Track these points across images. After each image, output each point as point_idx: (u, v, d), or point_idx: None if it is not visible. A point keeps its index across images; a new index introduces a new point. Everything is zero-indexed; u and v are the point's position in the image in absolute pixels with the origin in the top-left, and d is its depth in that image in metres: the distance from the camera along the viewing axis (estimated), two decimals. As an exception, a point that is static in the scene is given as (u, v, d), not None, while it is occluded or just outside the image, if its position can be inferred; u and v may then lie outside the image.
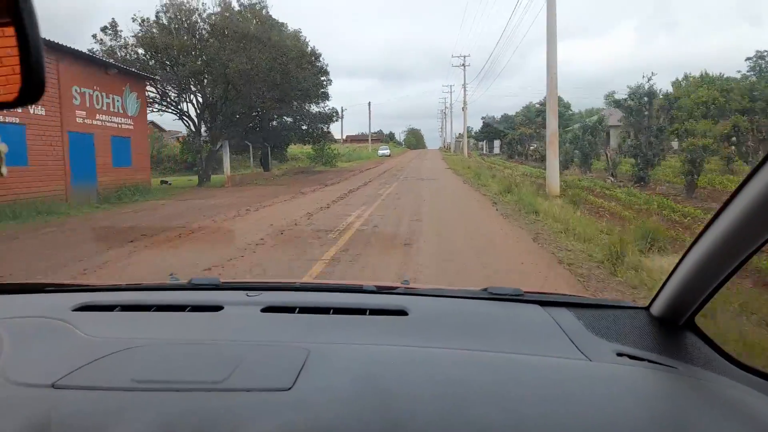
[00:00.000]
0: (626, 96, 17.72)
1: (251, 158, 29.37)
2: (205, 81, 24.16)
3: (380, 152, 70.37)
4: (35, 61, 0.79)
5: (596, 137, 25.58)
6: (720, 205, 1.00)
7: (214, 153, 25.44)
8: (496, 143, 71.06)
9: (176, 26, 23.63)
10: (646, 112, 16.83)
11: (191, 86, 24.03)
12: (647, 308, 1.39)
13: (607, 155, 21.10)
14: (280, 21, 26.35)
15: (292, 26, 30.09)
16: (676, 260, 1.20)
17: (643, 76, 17.29)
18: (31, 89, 0.82)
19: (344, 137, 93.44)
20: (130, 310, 1.44)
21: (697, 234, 1.09)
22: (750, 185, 0.91)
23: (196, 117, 25.65)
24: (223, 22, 23.22)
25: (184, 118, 25.71)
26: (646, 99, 16.82)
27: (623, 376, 1.05)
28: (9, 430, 0.82)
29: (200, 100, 25.21)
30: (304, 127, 35.19)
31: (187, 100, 25.05)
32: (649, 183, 17.65)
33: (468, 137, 64.44)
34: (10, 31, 0.78)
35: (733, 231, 0.98)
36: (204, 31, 23.34)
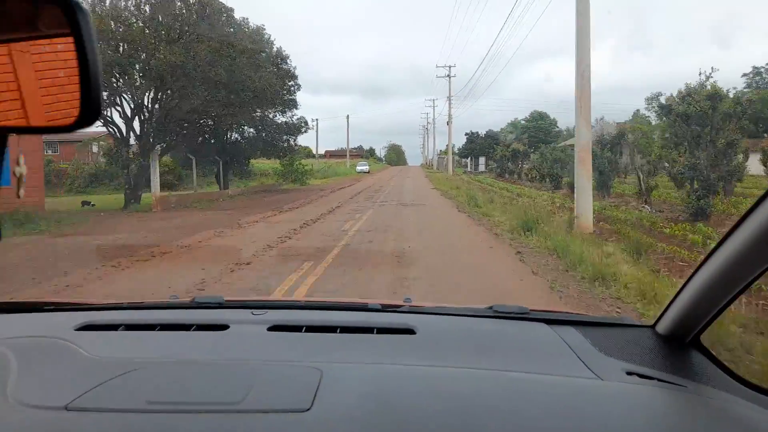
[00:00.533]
0: (678, 99, 13.22)
1: (194, 174, 24.32)
2: (133, 76, 19.18)
3: (359, 168, 66.16)
4: (93, 81, 0.76)
5: (616, 154, 21.17)
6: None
7: (146, 168, 20.36)
8: (482, 160, 66.83)
9: (99, 11, 18.70)
10: (707, 121, 12.34)
11: (113, 83, 18.98)
12: (653, 327, 1.39)
13: (639, 177, 16.58)
14: (229, 5, 21.52)
15: (269, 33, 25.41)
16: None
17: (700, 74, 12.84)
18: (89, 111, 0.78)
19: (323, 152, 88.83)
20: (134, 329, 1.39)
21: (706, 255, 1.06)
22: (760, 208, 0.91)
23: (124, 123, 20.57)
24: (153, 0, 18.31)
25: (109, 124, 20.61)
26: (708, 103, 12.34)
27: (635, 395, 1.05)
28: None
29: (128, 101, 20.19)
30: (268, 139, 30.35)
31: (111, 101, 19.97)
32: (711, 216, 13.10)
33: (452, 154, 60.17)
34: (64, 53, 0.76)
35: (742, 253, 0.98)
36: (129, 14, 18.38)
